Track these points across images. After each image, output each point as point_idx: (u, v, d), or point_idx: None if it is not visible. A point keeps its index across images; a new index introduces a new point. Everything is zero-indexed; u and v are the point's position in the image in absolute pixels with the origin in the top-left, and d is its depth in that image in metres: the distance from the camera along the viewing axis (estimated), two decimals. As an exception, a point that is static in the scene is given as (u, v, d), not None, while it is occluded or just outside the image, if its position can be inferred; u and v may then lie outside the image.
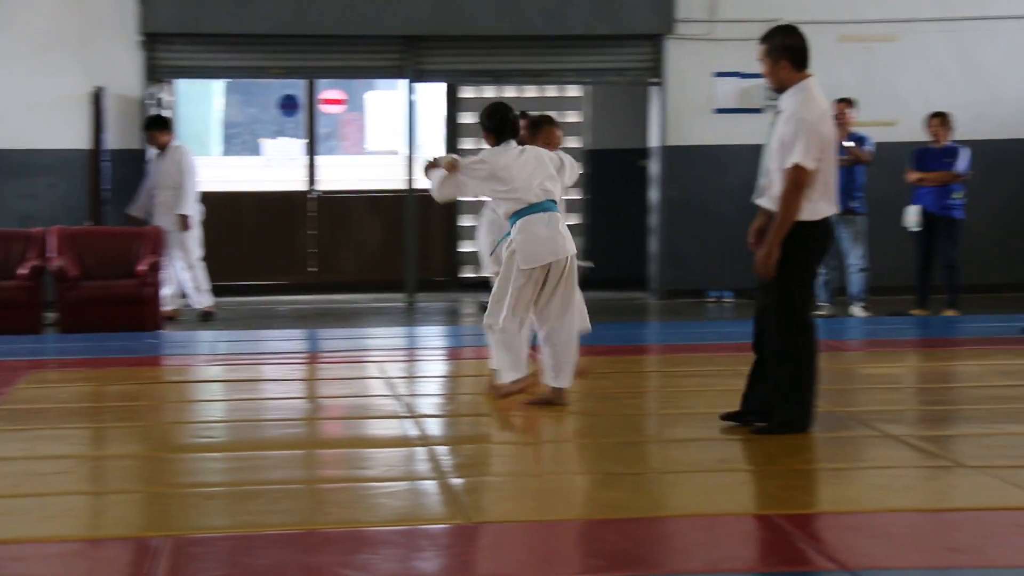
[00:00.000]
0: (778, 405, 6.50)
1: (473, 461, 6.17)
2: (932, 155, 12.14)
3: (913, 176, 12.13)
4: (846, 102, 12.20)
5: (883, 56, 13.98)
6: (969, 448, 6.24)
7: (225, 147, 23.33)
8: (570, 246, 7.39)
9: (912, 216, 12.10)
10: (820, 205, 6.49)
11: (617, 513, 5.05)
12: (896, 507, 5.16)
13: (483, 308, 7.56)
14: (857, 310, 12.06)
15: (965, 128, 12.83)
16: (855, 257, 12.18)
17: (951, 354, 9.59)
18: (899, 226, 12.26)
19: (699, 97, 14.00)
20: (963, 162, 12.03)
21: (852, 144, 11.97)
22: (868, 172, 12.24)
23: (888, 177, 12.85)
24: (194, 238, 12.46)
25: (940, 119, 12.18)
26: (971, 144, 12.42)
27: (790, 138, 6.41)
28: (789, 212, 6.41)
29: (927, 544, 4.70)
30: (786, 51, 6.52)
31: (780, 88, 6.58)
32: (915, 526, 4.91)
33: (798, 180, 6.38)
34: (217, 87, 22.74)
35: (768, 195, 6.59)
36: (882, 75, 13.93)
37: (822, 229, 6.57)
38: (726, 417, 6.73)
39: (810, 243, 6.52)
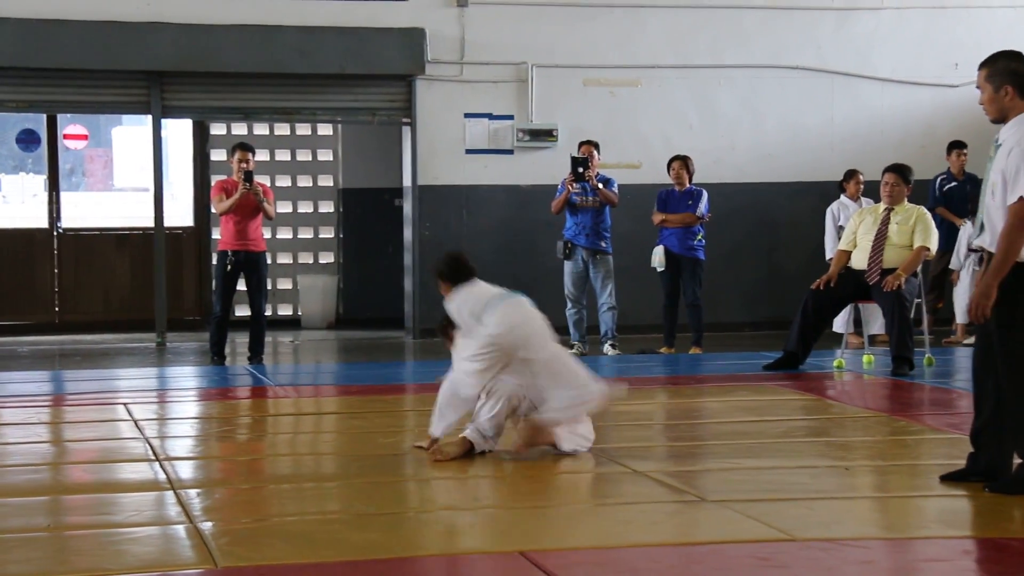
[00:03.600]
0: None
1: (223, 505, 6.03)
2: (675, 197, 12.49)
3: (657, 218, 12.46)
4: (590, 144, 12.48)
5: (626, 101, 14.35)
6: (712, 483, 6.40)
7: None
8: None
9: (658, 256, 12.43)
10: None
11: (369, 554, 5.00)
12: (642, 542, 5.24)
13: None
14: (608, 348, 12.29)
15: (705, 172, 13.27)
16: (605, 295, 12.42)
17: (697, 391, 9.84)
18: (645, 265, 12.56)
19: (450, 137, 14.11)
20: (703, 205, 12.41)
21: (602, 186, 12.24)
22: (613, 213, 12.51)
23: (633, 218, 13.19)
24: None
25: (681, 162, 12.55)
26: (709, 187, 12.84)
27: (1014, 172, 5.85)
28: (1012, 251, 5.84)
29: (672, 578, 4.80)
30: (1012, 76, 5.96)
31: (1000, 118, 6.02)
32: (659, 560, 4.99)
33: (1019, 215, 5.80)
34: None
35: (987, 236, 6.03)
36: (626, 119, 14.29)
37: None
38: (946, 477, 6.19)
39: None
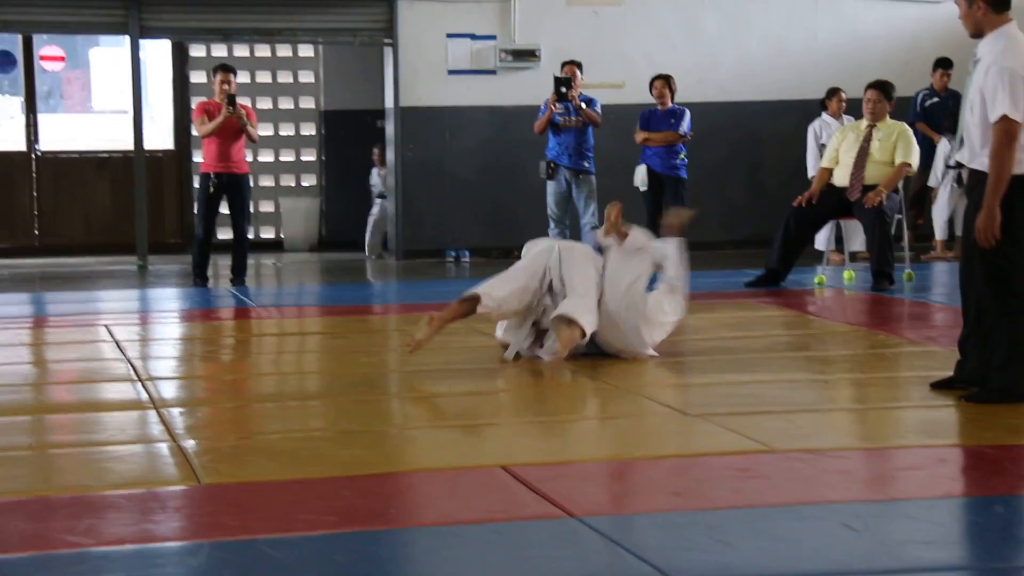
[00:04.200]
0: (995, 373, 6.00)
1: (206, 423, 6.05)
2: (657, 116, 12.46)
3: (640, 137, 12.44)
4: (573, 64, 12.42)
5: (610, 20, 14.26)
6: (694, 397, 6.45)
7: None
8: None
9: (640, 175, 12.42)
10: None
11: (353, 470, 5.02)
12: (624, 455, 5.29)
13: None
14: (588, 267, 12.27)
15: (688, 91, 13.23)
16: (588, 215, 12.42)
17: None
18: (628, 185, 12.55)
19: (433, 58, 14.03)
20: (686, 123, 12.39)
21: (586, 106, 12.20)
22: (597, 133, 12.48)
23: (616, 137, 13.15)
24: None
25: (663, 81, 12.51)
26: (692, 107, 12.81)
27: (992, 90, 5.85)
28: (1004, 169, 5.83)
29: (651, 489, 4.83)
30: None
31: (977, 32, 6.00)
32: (641, 473, 5.03)
33: (1009, 133, 5.82)
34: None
35: (966, 152, 6.05)
36: (609, 39, 14.21)
37: None
38: (936, 385, 6.26)
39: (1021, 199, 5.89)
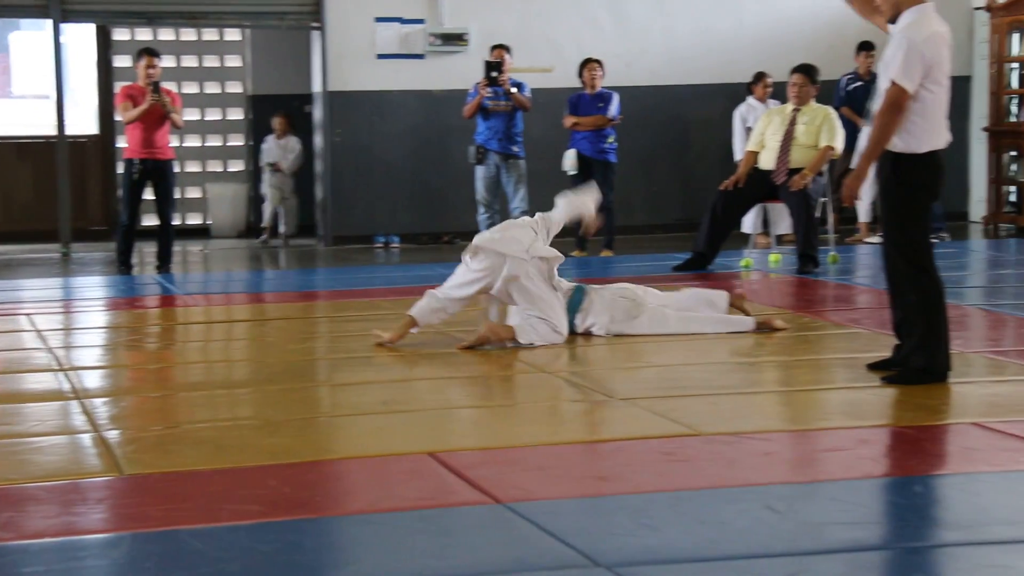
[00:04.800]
0: (913, 353, 6.07)
1: (130, 413, 6.00)
2: (586, 101, 12.49)
3: (569, 121, 12.46)
4: (502, 48, 12.43)
5: (539, 4, 14.26)
6: (620, 382, 6.46)
7: None
8: None
9: (569, 160, 12.44)
10: (926, 137, 5.98)
11: (279, 459, 4.99)
12: (550, 440, 5.29)
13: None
14: (518, 252, 12.28)
15: (616, 75, 13.26)
16: (518, 200, 12.43)
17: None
18: (557, 169, 12.57)
19: (361, 42, 13.96)
20: (614, 107, 12.42)
21: (515, 90, 12.21)
22: (526, 117, 12.49)
23: (545, 122, 13.16)
24: None
25: (593, 65, 12.53)
26: (621, 91, 12.84)
27: (890, 57, 5.94)
28: (882, 133, 5.96)
29: (577, 474, 4.84)
30: None
31: (896, 13, 6.02)
32: (567, 458, 5.04)
33: (896, 100, 5.89)
34: None
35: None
36: (538, 23, 14.21)
37: (929, 163, 6.00)
38: (873, 366, 6.30)
39: (915, 178, 5.99)
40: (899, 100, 5.93)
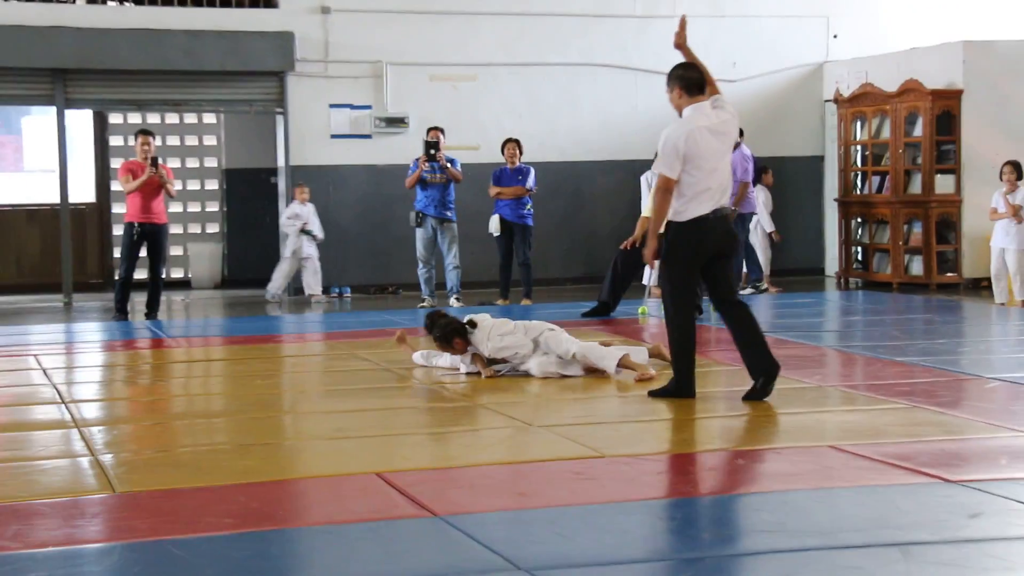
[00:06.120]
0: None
1: (122, 439, 5.89)
2: (507, 174, 12.53)
3: (493, 191, 12.49)
4: (437, 129, 12.46)
5: (466, 93, 14.33)
6: (538, 411, 6.44)
7: None
8: None
9: (494, 223, 12.46)
10: (691, 208, 6.31)
11: (249, 478, 4.93)
12: (479, 462, 5.27)
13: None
14: (453, 301, 12.31)
15: (532, 152, 13.34)
16: (450, 257, 12.43)
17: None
18: (484, 232, 12.59)
19: (317, 124, 13.95)
20: (531, 180, 12.48)
21: (449, 165, 12.25)
22: (457, 188, 12.51)
23: (474, 191, 13.20)
24: None
25: (513, 144, 12.59)
26: (536, 165, 12.92)
27: (658, 149, 6.40)
28: (658, 211, 6.38)
29: (501, 491, 4.80)
30: (678, 80, 6.43)
31: (678, 111, 6.46)
32: (493, 477, 5.01)
33: (662, 186, 6.33)
34: None
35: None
36: (466, 108, 14.27)
37: (693, 228, 6.34)
38: (745, 397, 6.45)
39: (681, 239, 6.35)
40: (665, 185, 6.32)
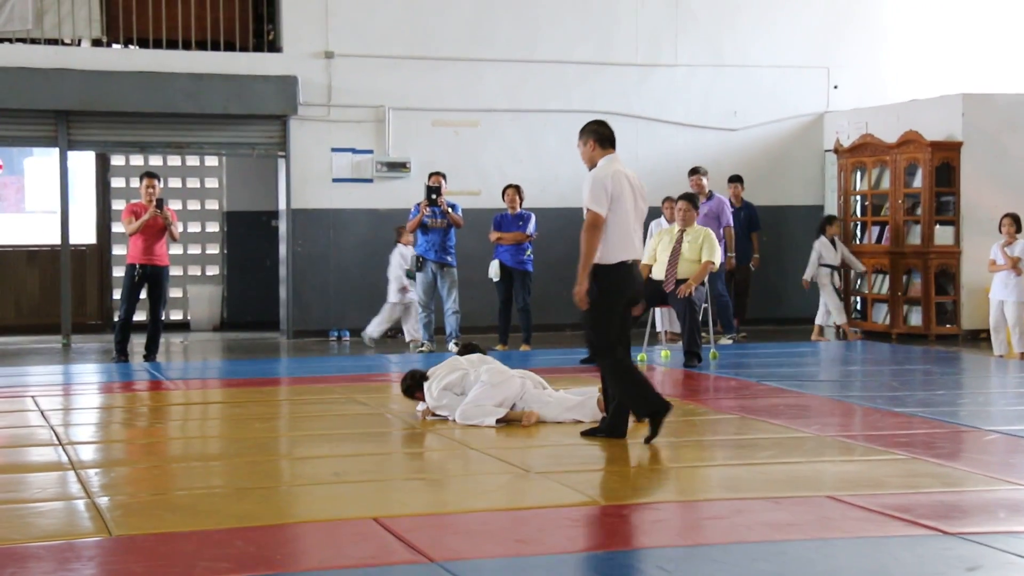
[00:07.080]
0: (614, 415, 6.70)
1: (119, 482, 5.88)
2: (508, 219, 12.57)
3: (494, 236, 12.52)
4: (439, 174, 12.51)
5: (468, 139, 14.40)
6: (537, 458, 6.43)
7: None
8: None
9: (494, 269, 12.48)
10: (615, 251, 6.55)
11: (245, 522, 4.92)
12: (477, 508, 5.26)
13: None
14: (452, 346, 12.29)
15: (532, 198, 13.38)
16: (450, 302, 12.44)
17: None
18: (484, 277, 12.61)
19: (319, 168, 14.01)
20: (532, 226, 12.52)
21: (450, 210, 12.29)
22: (457, 232, 12.55)
23: (474, 236, 13.23)
24: None
25: (513, 190, 12.63)
26: (537, 211, 12.96)
27: (584, 192, 6.56)
28: (588, 248, 6.51)
29: (500, 538, 4.79)
30: (592, 133, 6.78)
31: (591, 164, 6.71)
32: (491, 523, 5.00)
33: (592, 222, 6.49)
34: None
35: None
36: (467, 154, 14.34)
37: (620, 270, 6.58)
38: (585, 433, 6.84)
39: (607, 282, 6.54)
40: (595, 221, 6.51)
